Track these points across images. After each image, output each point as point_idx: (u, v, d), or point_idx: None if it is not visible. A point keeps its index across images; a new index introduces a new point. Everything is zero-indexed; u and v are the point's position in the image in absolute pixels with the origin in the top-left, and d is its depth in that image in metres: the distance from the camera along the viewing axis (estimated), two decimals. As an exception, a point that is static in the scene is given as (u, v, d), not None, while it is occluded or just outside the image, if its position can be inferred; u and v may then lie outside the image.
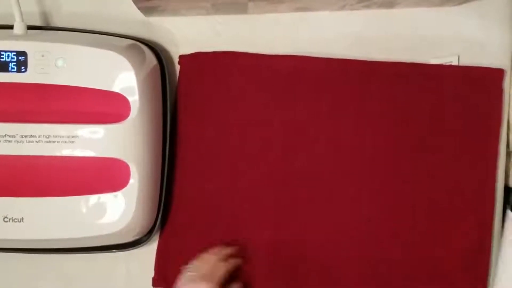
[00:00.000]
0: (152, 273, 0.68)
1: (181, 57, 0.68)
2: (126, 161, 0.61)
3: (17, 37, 0.61)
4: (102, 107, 0.61)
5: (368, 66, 0.67)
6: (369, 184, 0.66)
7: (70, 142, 0.61)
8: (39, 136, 0.60)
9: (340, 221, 0.67)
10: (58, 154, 0.61)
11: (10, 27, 0.62)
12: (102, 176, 0.62)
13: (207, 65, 0.67)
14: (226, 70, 0.67)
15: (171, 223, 0.67)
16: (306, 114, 0.66)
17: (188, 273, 0.61)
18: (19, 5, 0.62)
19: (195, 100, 0.67)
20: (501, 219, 0.69)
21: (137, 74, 0.61)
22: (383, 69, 0.67)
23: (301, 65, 0.67)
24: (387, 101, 0.67)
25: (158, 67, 0.65)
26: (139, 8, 0.64)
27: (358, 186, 0.67)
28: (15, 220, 0.60)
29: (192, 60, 0.67)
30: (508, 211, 0.68)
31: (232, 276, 0.64)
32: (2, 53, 0.60)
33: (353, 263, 0.66)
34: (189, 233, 0.67)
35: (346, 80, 0.66)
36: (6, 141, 0.60)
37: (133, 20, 0.67)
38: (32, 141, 0.60)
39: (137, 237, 0.65)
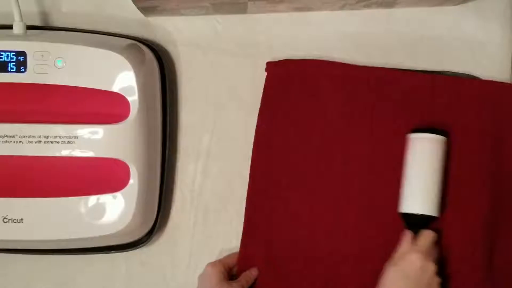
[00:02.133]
0: (151, 274, 0.68)
1: (268, 63, 0.67)
2: (125, 161, 0.61)
3: (16, 37, 0.61)
4: (102, 107, 0.61)
5: (457, 84, 0.66)
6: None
7: (69, 142, 0.60)
8: (39, 137, 0.60)
9: None
10: (57, 154, 0.60)
11: (9, 27, 0.62)
12: (101, 176, 0.62)
13: (294, 72, 0.66)
14: (313, 78, 0.66)
15: (249, 228, 0.66)
16: (394, 127, 0.65)
17: None
18: (18, 5, 0.62)
19: (280, 107, 0.66)
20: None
21: (136, 74, 0.61)
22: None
23: (388, 77, 0.66)
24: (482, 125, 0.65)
25: (158, 67, 0.65)
26: (138, 8, 0.64)
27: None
28: (15, 220, 0.60)
29: (279, 67, 0.66)
30: None
31: None
32: (1, 53, 0.60)
33: None
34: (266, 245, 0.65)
35: (436, 96, 0.65)
36: (5, 141, 0.60)
37: (133, 20, 0.67)
38: (31, 142, 0.60)
39: (136, 238, 0.65)
